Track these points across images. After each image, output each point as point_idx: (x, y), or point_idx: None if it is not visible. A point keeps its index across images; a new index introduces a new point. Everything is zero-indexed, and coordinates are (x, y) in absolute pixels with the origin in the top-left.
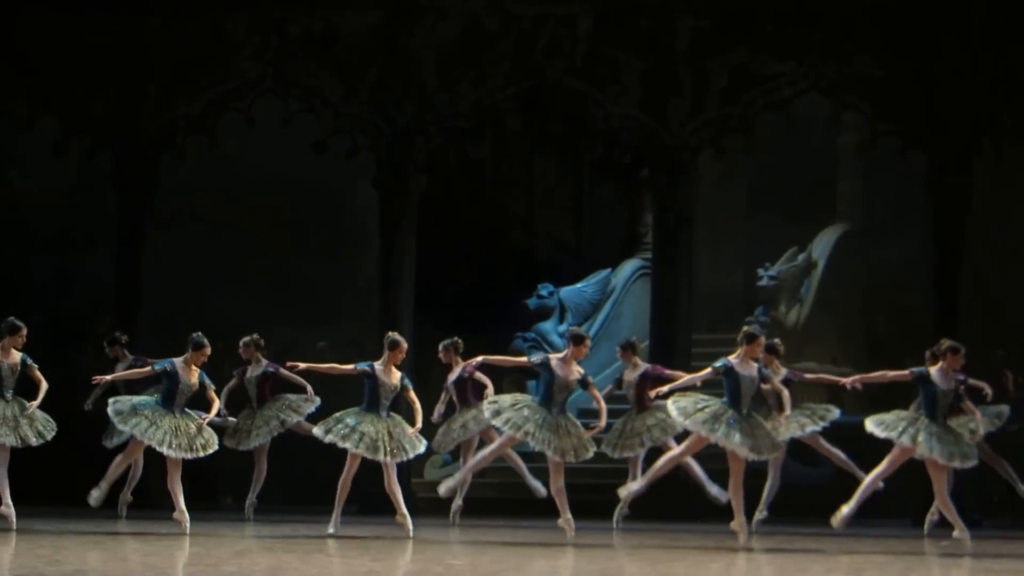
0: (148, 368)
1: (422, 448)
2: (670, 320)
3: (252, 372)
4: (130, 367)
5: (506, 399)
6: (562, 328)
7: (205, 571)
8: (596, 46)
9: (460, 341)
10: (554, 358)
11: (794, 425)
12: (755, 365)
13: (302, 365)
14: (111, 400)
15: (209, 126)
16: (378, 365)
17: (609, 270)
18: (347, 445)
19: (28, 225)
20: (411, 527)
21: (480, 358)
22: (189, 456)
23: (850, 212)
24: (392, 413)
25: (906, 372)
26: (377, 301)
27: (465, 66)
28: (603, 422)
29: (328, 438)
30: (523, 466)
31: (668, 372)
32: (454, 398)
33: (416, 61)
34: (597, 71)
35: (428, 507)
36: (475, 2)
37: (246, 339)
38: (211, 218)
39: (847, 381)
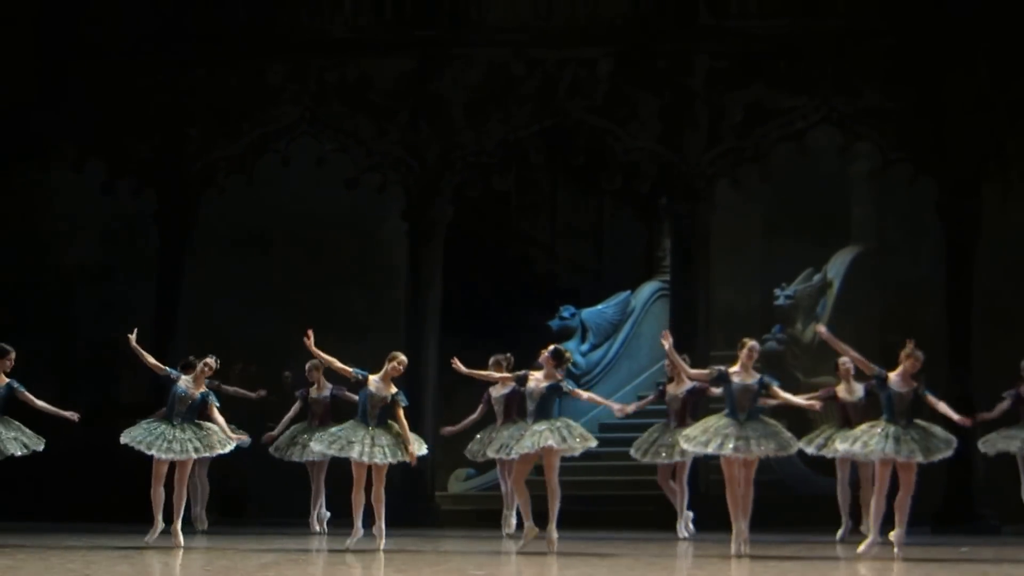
0: (162, 366)
1: (395, 459)
2: (688, 340)
3: (317, 394)
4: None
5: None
6: (584, 348)
7: None
8: (616, 86)
9: (511, 357)
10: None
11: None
12: (757, 375)
13: (312, 347)
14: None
15: (248, 166)
16: (375, 376)
17: (629, 292)
18: (331, 451)
19: (73, 259)
20: (383, 542)
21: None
22: (181, 458)
23: (863, 234)
24: (385, 425)
25: (869, 365)
26: (405, 325)
27: (491, 106)
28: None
29: (319, 447)
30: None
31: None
32: (497, 411)
33: (445, 103)
34: (617, 109)
35: (451, 519)
36: (502, 48)
37: (311, 363)
38: (247, 250)
39: (819, 329)
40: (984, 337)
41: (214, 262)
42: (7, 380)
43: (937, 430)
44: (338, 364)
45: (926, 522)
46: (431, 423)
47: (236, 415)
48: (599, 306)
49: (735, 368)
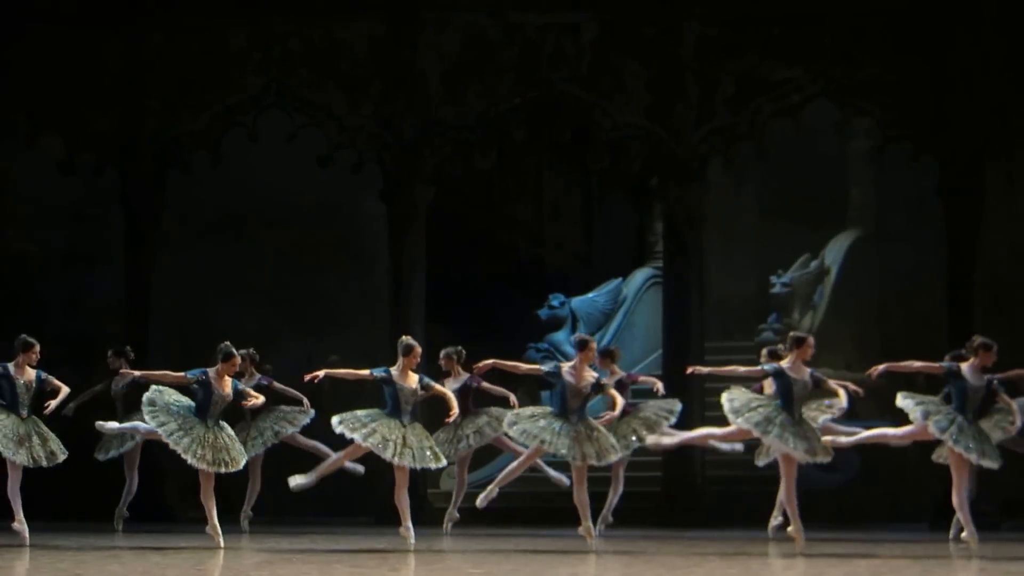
0: (182, 375)
1: (435, 464)
2: (683, 328)
3: (246, 384)
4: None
5: (524, 411)
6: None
7: None
8: (601, 55)
9: (463, 350)
10: (565, 366)
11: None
12: (807, 370)
13: (321, 373)
14: (148, 394)
15: (213, 142)
16: (394, 370)
17: (620, 279)
18: (355, 436)
19: (34, 244)
20: (412, 539)
21: (491, 361)
22: (211, 470)
23: (862, 218)
24: (415, 422)
25: (936, 365)
26: (388, 313)
27: (470, 77)
28: (616, 411)
29: (339, 428)
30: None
31: (643, 378)
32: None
33: (420, 72)
34: (603, 80)
35: (444, 516)
36: (478, 12)
37: (240, 352)
38: (218, 234)
39: (873, 372)
40: (986, 326)
41: (185, 247)
42: (35, 372)
43: (993, 439)
44: (356, 373)
45: (924, 519)
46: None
47: None
48: (590, 294)
49: (787, 363)
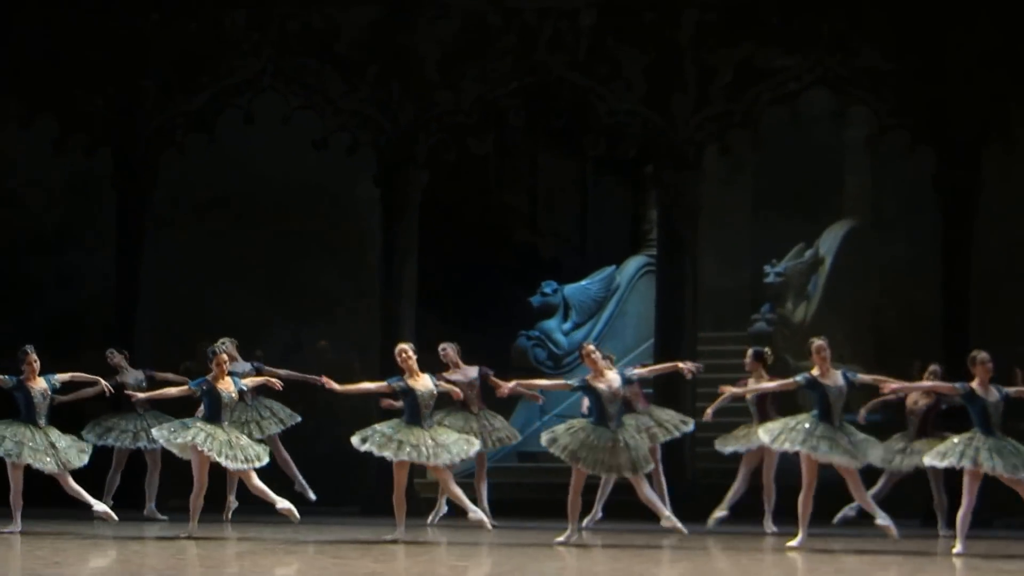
0: (186, 387)
1: (472, 451)
2: (676, 318)
3: (235, 368)
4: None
5: (561, 427)
6: (566, 326)
7: (207, 573)
8: (599, 40)
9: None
10: (590, 378)
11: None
12: (838, 372)
13: (338, 388)
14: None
15: (208, 123)
16: (408, 378)
17: (613, 267)
18: (386, 454)
19: (25, 224)
20: (488, 522)
21: (513, 383)
22: (245, 467)
23: (857, 208)
24: (435, 423)
25: (949, 385)
26: (379, 299)
27: (467, 61)
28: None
29: (364, 447)
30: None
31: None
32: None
33: (417, 57)
34: (600, 66)
35: (431, 507)
36: None
37: (216, 346)
38: (211, 216)
39: (890, 387)
40: (981, 317)
41: (177, 229)
42: (45, 380)
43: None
44: (371, 388)
45: (916, 515)
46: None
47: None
48: (583, 282)
49: (817, 371)
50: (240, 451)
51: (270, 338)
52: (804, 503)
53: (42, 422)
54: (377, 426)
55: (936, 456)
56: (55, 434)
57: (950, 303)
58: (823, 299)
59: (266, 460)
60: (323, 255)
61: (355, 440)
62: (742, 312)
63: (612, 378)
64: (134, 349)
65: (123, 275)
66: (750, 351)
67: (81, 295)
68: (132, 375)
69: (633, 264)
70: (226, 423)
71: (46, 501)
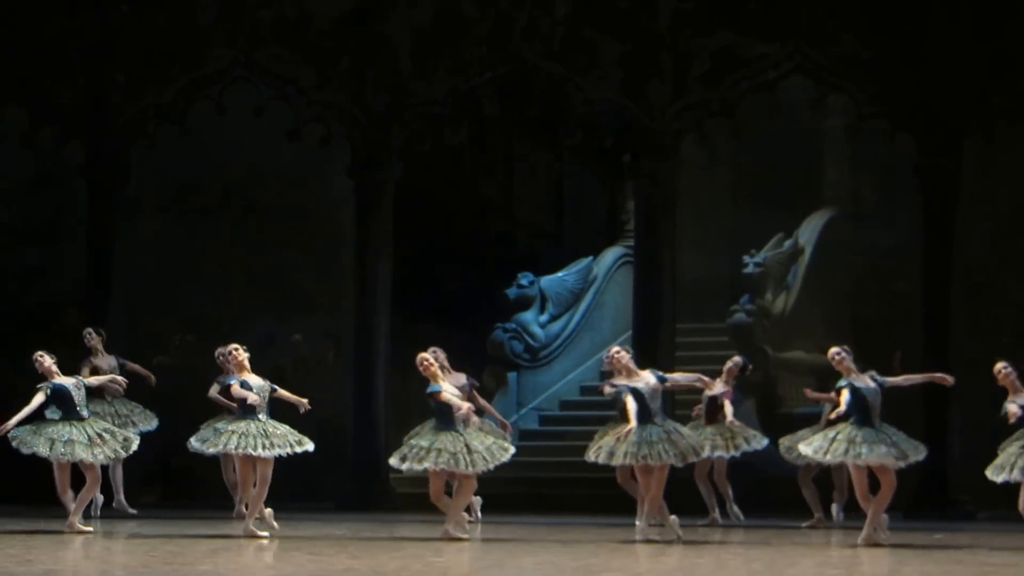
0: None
1: (506, 455)
2: (654, 309)
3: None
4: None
5: (607, 439)
6: (543, 318)
7: (179, 570)
8: (575, 29)
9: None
10: (626, 381)
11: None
12: (866, 375)
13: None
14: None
15: (180, 115)
16: (445, 385)
17: (591, 258)
18: (426, 465)
19: None
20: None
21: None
22: (281, 453)
23: (837, 197)
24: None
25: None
26: (353, 292)
27: (441, 51)
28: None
29: (405, 465)
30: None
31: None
32: None
33: (390, 46)
34: (576, 55)
35: (408, 503)
36: None
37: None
38: (182, 209)
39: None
40: (961, 307)
41: (148, 221)
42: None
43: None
44: (459, 402)
45: (900, 508)
46: (383, 399)
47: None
48: (559, 273)
49: (855, 376)
50: (277, 439)
51: (242, 331)
52: (872, 505)
53: (85, 413)
54: (412, 440)
55: (996, 472)
56: (93, 426)
57: (931, 293)
58: (803, 289)
59: (310, 446)
60: (297, 247)
61: (394, 461)
62: (721, 303)
63: (647, 377)
64: (106, 340)
65: (95, 267)
66: (738, 359)
67: (53, 287)
68: (106, 360)
69: (610, 255)
70: (262, 414)
71: (16, 498)
